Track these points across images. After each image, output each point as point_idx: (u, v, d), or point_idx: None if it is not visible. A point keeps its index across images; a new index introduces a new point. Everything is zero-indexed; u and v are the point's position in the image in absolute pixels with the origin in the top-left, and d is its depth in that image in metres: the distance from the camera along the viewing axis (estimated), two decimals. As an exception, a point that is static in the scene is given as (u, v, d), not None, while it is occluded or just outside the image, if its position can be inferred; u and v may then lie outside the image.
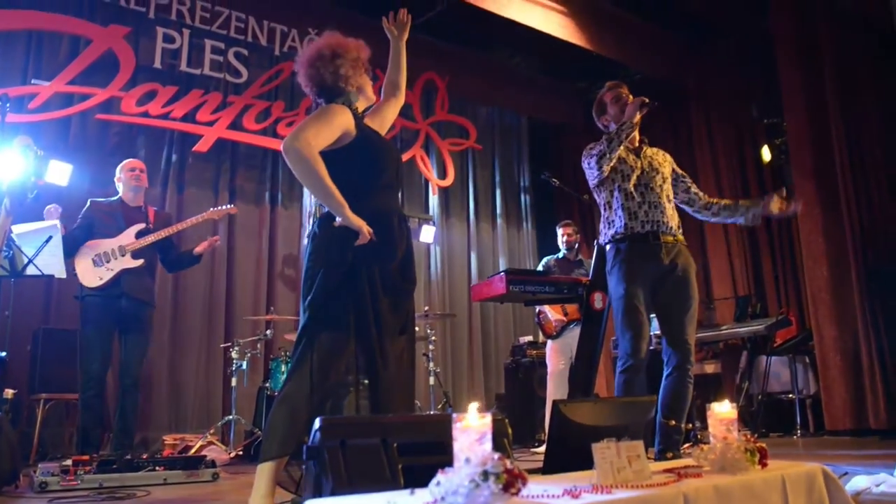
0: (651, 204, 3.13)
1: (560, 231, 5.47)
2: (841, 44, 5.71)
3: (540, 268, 5.46)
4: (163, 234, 4.23)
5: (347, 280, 2.21)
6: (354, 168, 2.31)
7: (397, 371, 2.28)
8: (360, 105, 2.51)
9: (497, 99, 8.21)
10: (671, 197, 3.25)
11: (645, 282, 3.06)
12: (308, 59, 2.44)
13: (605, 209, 3.23)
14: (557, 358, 5.14)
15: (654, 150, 3.34)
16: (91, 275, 4.05)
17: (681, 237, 3.19)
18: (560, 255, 5.45)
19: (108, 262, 4.07)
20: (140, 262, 4.15)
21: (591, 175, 3.22)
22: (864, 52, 5.73)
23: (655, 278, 3.08)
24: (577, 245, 5.46)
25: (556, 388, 5.02)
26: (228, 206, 4.77)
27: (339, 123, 2.29)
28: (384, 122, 2.62)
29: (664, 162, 3.30)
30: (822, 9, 5.73)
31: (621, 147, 3.10)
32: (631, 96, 3.24)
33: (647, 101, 3.09)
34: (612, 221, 3.16)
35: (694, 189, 3.35)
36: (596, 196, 3.29)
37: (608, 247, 3.19)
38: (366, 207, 2.24)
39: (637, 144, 3.27)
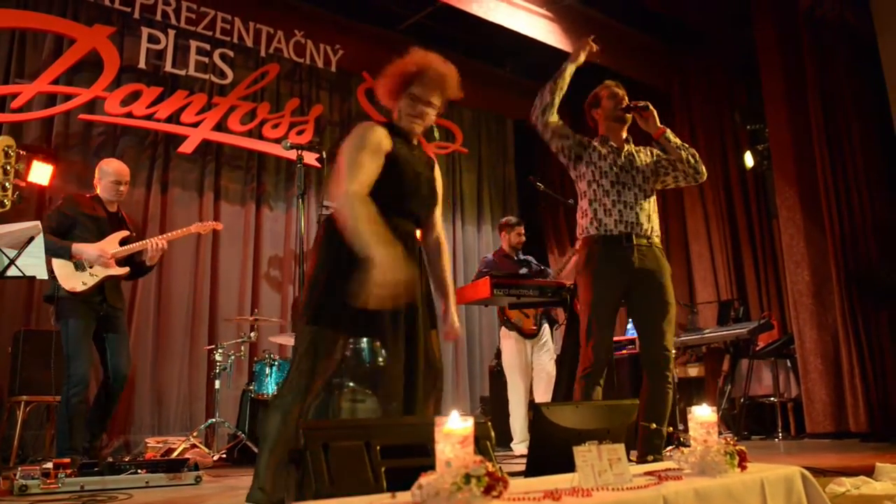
0: (626, 204, 3.13)
1: (517, 230, 5.46)
2: (822, 52, 5.78)
3: (479, 269, 5.39)
4: (146, 244, 4.13)
5: (346, 282, 2.14)
6: (381, 186, 2.24)
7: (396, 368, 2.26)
8: (404, 126, 2.38)
9: (483, 102, 8.23)
10: (651, 196, 3.23)
11: (615, 287, 3.06)
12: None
13: (581, 199, 3.24)
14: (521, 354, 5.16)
15: (638, 148, 3.33)
16: (73, 279, 3.91)
17: (656, 240, 3.18)
18: (499, 250, 5.47)
19: (91, 267, 3.95)
20: (125, 270, 4.08)
21: (546, 135, 3.24)
22: (845, 60, 5.80)
23: (627, 283, 3.07)
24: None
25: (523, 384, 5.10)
26: (214, 221, 4.73)
27: (374, 152, 2.25)
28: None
29: (647, 159, 3.28)
30: (803, 17, 5.80)
31: (600, 148, 3.16)
32: (626, 99, 3.27)
33: (592, 46, 3.24)
34: (587, 217, 3.17)
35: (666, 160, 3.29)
36: (576, 187, 3.30)
37: (581, 243, 3.20)
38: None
39: (619, 144, 3.27)
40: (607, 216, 3.10)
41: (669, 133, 3.21)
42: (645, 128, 3.25)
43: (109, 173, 4.16)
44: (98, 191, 4.18)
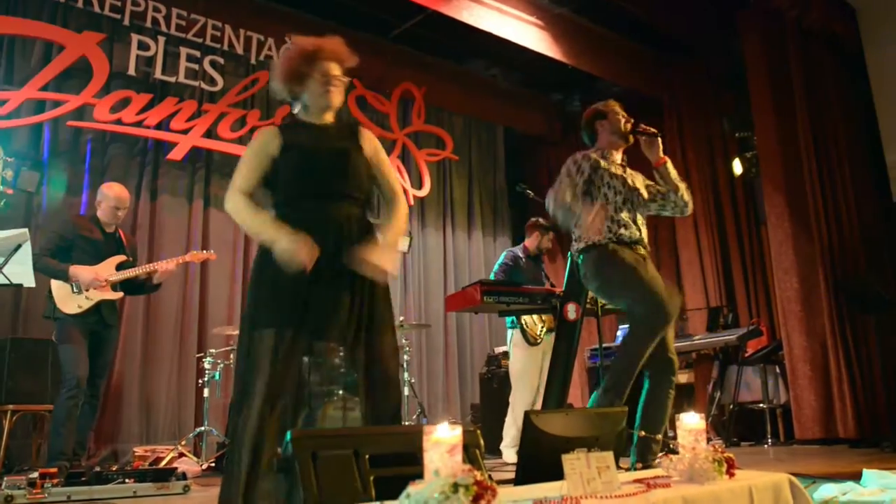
0: (634, 220, 3.17)
1: (551, 235, 5.40)
2: (810, 61, 5.84)
3: (505, 261, 5.33)
4: (141, 271, 4.24)
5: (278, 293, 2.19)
6: (281, 180, 2.31)
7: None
8: (314, 113, 2.42)
9: (474, 110, 8.25)
10: (644, 218, 3.27)
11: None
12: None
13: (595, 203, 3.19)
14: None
15: (633, 172, 3.34)
16: (70, 302, 4.04)
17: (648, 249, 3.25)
18: (524, 249, 5.40)
19: (87, 290, 4.07)
20: (119, 294, 4.23)
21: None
22: (832, 70, 5.86)
23: None
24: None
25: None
26: (208, 251, 4.74)
27: (254, 154, 2.33)
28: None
29: (641, 185, 3.29)
30: (791, 28, 5.86)
31: (610, 167, 3.19)
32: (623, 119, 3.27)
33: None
34: (603, 225, 3.12)
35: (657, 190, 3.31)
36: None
37: (593, 250, 3.11)
38: (290, 217, 2.24)
39: (621, 161, 3.29)
40: (623, 228, 3.11)
41: (670, 164, 3.22)
42: (648, 154, 3.23)
43: (110, 198, 4.26)
44: (98, 213, 4.28)
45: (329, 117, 2.44)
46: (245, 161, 2.34)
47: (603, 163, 3.19)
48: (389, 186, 2.47)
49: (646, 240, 3.20)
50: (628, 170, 3.29)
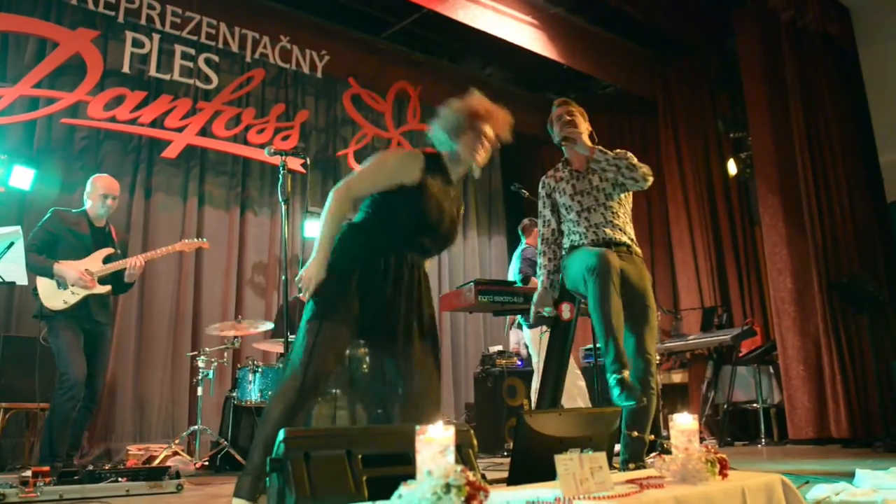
0: (597, 226, 3.13)
1: None
2: (804, 62, 5.85)
3: (530, 257, 5.27)
4: (129, 262, 4.14)
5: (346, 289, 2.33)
6: (393, 205, 2.42)
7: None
8: (456, 162, 2.58)
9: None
10: (621, 208, 3.21)
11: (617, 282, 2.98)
12: None
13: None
14: None
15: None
16: (55, 298, 3.94)
17: (636, 248, 3.16)
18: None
19: (73, 285, 3.97)
20: (107, 288, 4.12)
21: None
22: (826, 71, 5.88)
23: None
24: None
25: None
26: (200, 239, 4.71)
27: (390, 174, 2.45)
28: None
29: (603, 179, 3.22)
30: (785, 27, 5.87)
31: (559, 186, 3.24)
32: (573, 113, 3.25)
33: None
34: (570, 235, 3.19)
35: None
36: None
37: (573, 252, 3.14)
38: (371, 243, 2.40)
39: (579, 165, 3.23)
40: (583, 239, 3.12)
41: (598, 153, 3.14)
42: (580, 152, 3.21)
43: (99, 187, 4.20)
44: (87, 205, 4.21)
45: (463, 171, 2.60)
46: (376, 173, 2.45)
47: (553, 179, 3.26)
48: None
49: (624, 238, 3.13)
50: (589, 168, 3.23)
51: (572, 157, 3.28)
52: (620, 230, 3.14)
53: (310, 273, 2.29)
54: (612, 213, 3.16)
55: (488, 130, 2.53)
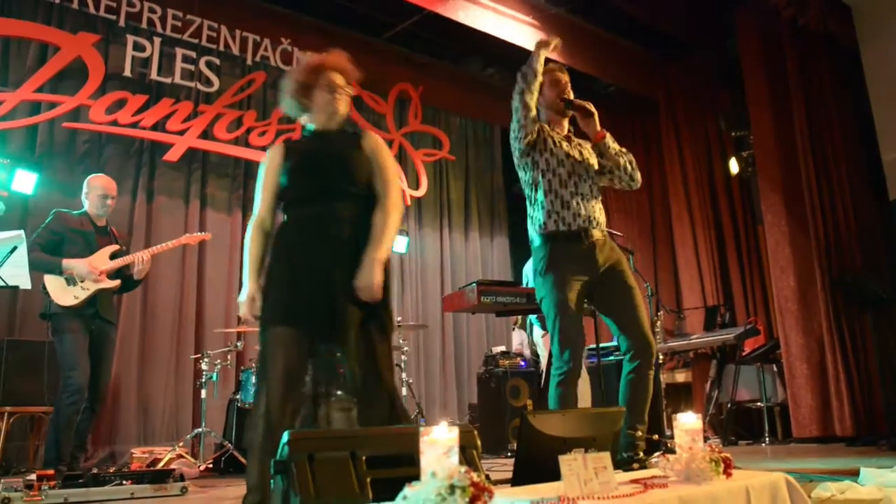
0: (583, 196, 2.99)
1: None
2: (805, 60, 5.85)
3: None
4: (136, 257, 4.15)
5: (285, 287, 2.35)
6: (285, 186, 2.48)
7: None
8: (320, 120, 2.54)
9: (470, 109, 8.26)
10: (598, 191, 3.10)
11: (580, 286, 2.89)
12: None
13: (533, 200, 3.05)
14: None
15: (582, 141, 3.19)
16: (65, 294, 3.94)
17: (607, 232, 3.08)
18: None
19: (82, 281, 3.98)
20: (117, 282, 4.11)
21: (517, 148, 3.05)
22: (828, 69, 5.87)
23: (591, 281, 2.93)
24: None
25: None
26: (203, 232, 4.72)
27: (264, 173, 2.52)
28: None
29: (590, 155, 3.14)
30: (787, 26, 5.86)
31: (553, 136, 3.04)
32: (570, 89, 3.16)
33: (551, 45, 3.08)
34: (542, 213, 2.98)
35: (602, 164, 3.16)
36: (523, 187, 3.11)
37: (537, 240, 3.00)
38: (289, 219, 2.45)
39: (566, 133, 3.14)
40: (565, 209, 2.95)
41: (609, 138, 3.09)
42: (585, 129, 3.13)
43: (97, 187, 4.19)
44: (86, 206, 4.21)
45: (334, 126, 2.54)
46: (259, 183, 2.52)
47: (547, 128, 3.09)
48: (382, 187, 2.47)
49: (602, 219, 3.03)
50: (574, 139, 3.15)
51: (556, 126, 3.14)
52: (600, 211, 3.08)
53: (242, 301, 2.36)
54: (597, 190, 3.10)
55: (334, 78, 2.51)
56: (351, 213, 2.40)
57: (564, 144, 3.07)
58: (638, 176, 3.14)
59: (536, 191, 3.03)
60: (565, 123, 3.17)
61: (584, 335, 2.95)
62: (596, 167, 3.11)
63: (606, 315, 3.02)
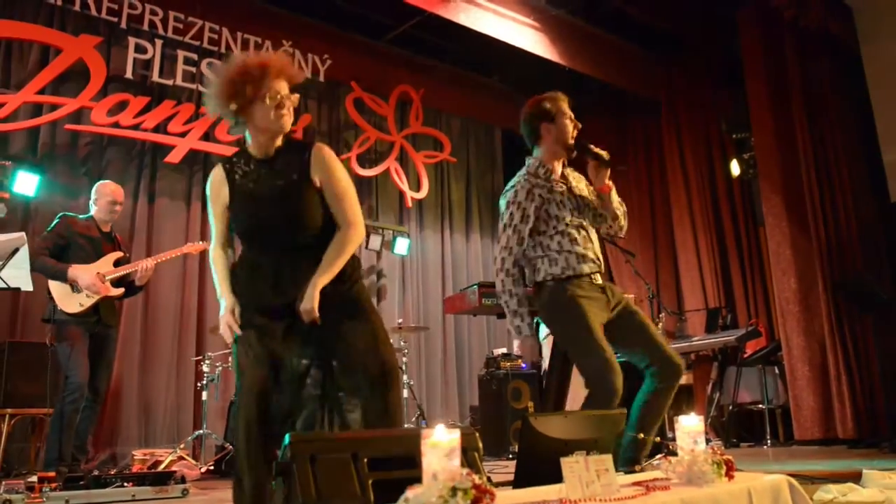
0: (587, 237, 2.84)
1: None
2: (807, 61, 5.84)
3: None
4: (140, 265, 4.23)
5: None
6: (235, 231, 2.33)
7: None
8: (260, 139, 2.25)
9: (471, 111, 8.26)
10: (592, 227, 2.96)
11: (601, 319, 2.75)
12: None
13: (535, 236, 2.84)
14: None
15: (576, 174, 3.03)
16: (70, 300, 4.01)
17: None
18: None
19: (86, 289, 4.04)
20: (120, 290, 4.21)
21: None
22: (829, 69, 5.87)
23: (606, 320, 2.79)
24: None
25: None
26: (203, 241, 4.75)
27: (212, 204, 2.34)
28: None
29: (586, 188, 2.97)
30: (788, 28, 5.86)
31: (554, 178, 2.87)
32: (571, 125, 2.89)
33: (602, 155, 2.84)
34: (549, 255, 2.80)
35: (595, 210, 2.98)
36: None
37: (549, 284, 2.80)
38: (241, 263, 2.32)
39: (561, 171, 2.95)
40: (574, 245, 2.78)
41: (615, 192, 2.93)
42: (592, 177, 2.92)
43: (107, 194, 4.29)
44: (93, 212, 4.29)
45: (278, 141, 2.26)
46: (211, 213, 2.35)
47: (540, 173, 2.86)
48: (342, 214, 2.26)
49: (599, 255, 2.87)
50: (570, 175, 2.97)
51: (555, 161, 2.93)
52: (598, 247, 2.96)
53: (222, 315, 2.27)
54: (594, 229, 2.98)
55: (280, 88, 2.17)
56: (308, 262, 2.20)
57: (561, 182, 2.90)
58: (625, 227, 3.01)
59: (541, 235, 2.83)
60: (561, 163, 2.96)
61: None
62: (594, 204, 2.95)
63: (625, 346, 2.83)
